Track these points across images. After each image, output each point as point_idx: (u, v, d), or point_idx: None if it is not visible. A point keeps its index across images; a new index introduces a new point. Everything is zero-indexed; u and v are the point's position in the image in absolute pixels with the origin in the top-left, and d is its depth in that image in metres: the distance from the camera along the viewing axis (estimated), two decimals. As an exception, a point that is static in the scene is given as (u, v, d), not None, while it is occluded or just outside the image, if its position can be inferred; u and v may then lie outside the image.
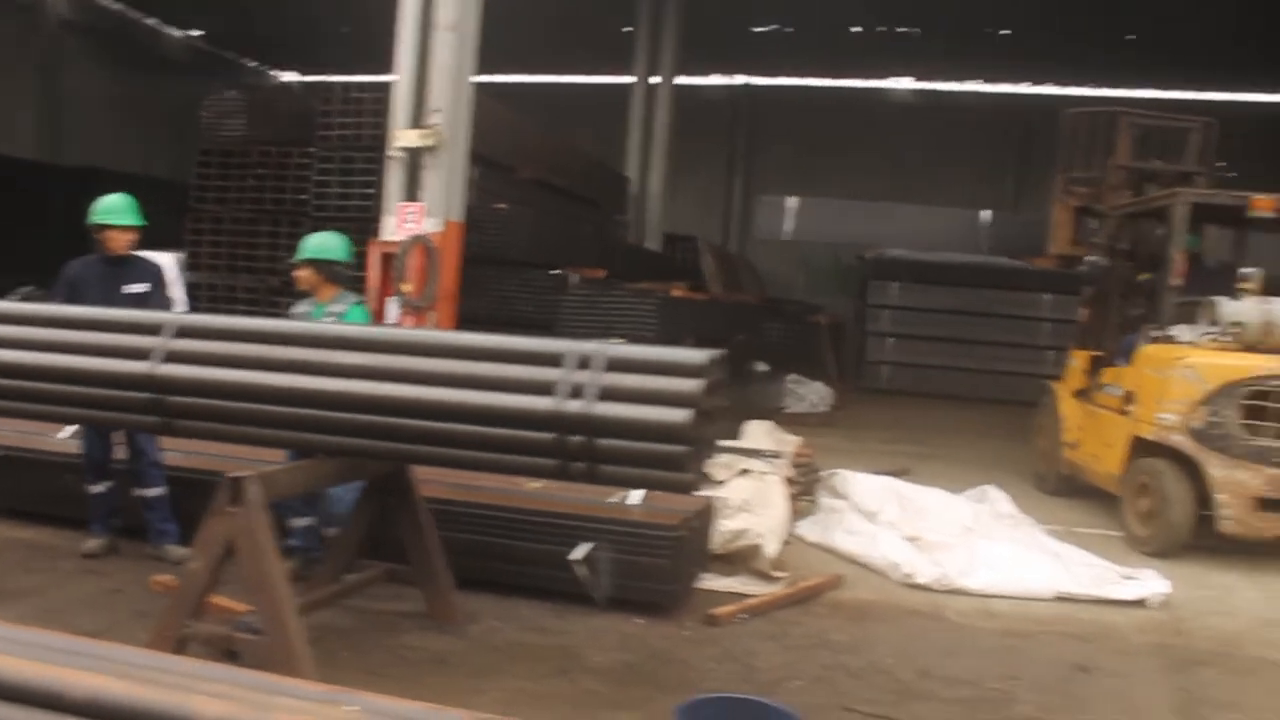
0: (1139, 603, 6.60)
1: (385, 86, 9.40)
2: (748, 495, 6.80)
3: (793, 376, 15.93)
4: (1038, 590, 6.59)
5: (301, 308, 6.30)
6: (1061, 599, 6.57)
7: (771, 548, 6.57)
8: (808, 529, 7.60)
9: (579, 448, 4.48)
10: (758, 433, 7.74)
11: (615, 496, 6.16)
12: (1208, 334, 8.08)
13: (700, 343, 11.40)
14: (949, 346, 18.85)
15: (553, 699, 4.59)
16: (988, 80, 22.68)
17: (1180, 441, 7.90)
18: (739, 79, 24.19)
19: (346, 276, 6.39)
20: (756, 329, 15.59)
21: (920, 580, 6.65)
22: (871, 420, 15.12)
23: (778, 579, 6.48)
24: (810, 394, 15.89)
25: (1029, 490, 10.08)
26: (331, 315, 6.07)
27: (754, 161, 23.53)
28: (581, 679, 4.86)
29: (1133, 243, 9.49)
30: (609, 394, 4.43)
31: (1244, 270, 8.57)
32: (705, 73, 23.43)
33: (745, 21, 21.41)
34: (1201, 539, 8.02)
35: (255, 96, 11.51)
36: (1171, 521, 7.89)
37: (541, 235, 10.72)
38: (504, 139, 11.15)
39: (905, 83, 23.47)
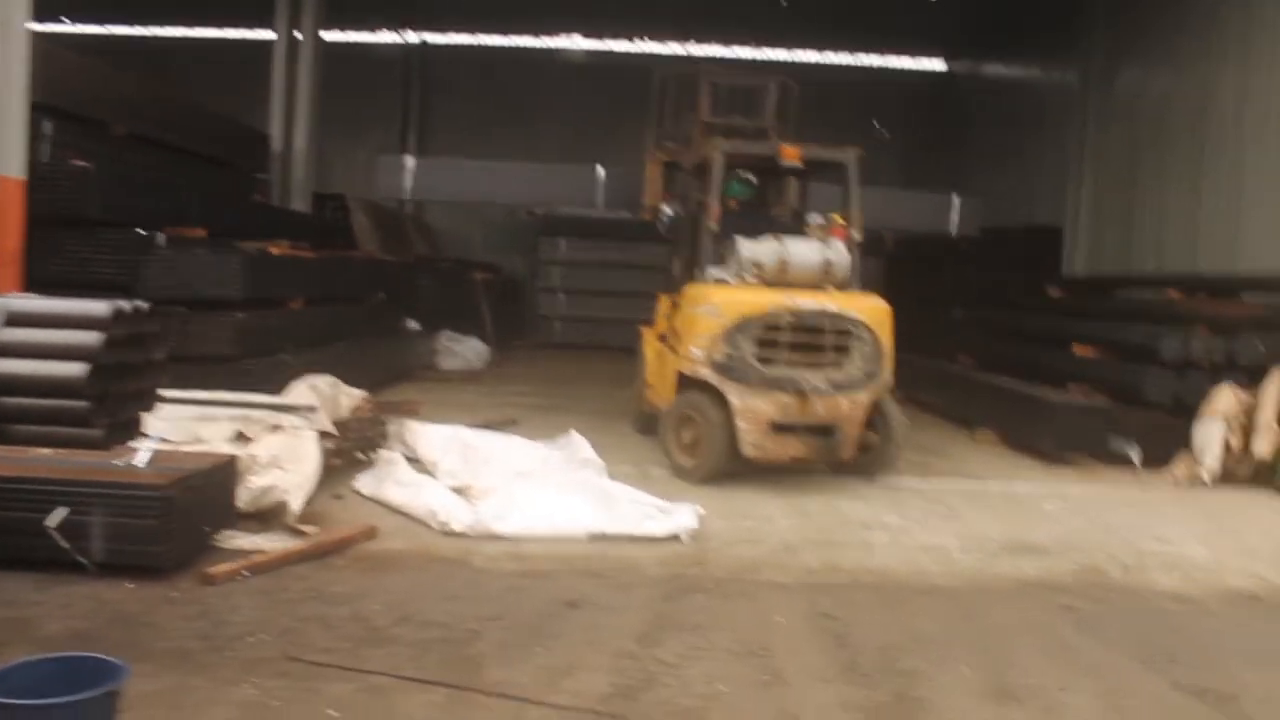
0: (676, 537, 6.86)
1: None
2: (278, 451, 6.68)
3: (448, 334, 15.89)
4: (571, 531, 6.74)
5: None
6: (596, 538, 6.74)
7: (297, 502, 6.48)
8: (365, 483, 7.54)
9: (-19, 407, 4.27)
10: (301, 389, 7.59)
11: (123, 458, 5.91)
12: (739, 273, 8.53)
13: (313, 301, 11.21)
14: (614, 300, 19.22)
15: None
16: (653, 39, 23.09)
17: (707, 374, 8.41)
18: (412, 36, 23.73)
19: None
20: (406, 287, 15.40)
21: (456, 528, 6.68)
22: (519, 375, 15.28)
23: (306, 534, 6.41)
24: (466, 351, 15.91)
25: (628, 432, 10.41)
26: None
27: (428, 120, 23.21)
28: (16, 650, 4.60)
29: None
30: (6, 350, 4.23)
31: (811, 215, 9.11)
32: (376, 28, 23.01)
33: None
34: (755, 469, 8.51)
35: None
36: (709, 450, 8.40)
37: (132, 194, 10.17)
38: (92, 92, 10.49)
39: (576, 41, 23.65)
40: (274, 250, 10.47)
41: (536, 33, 23.27)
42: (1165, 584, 6.50)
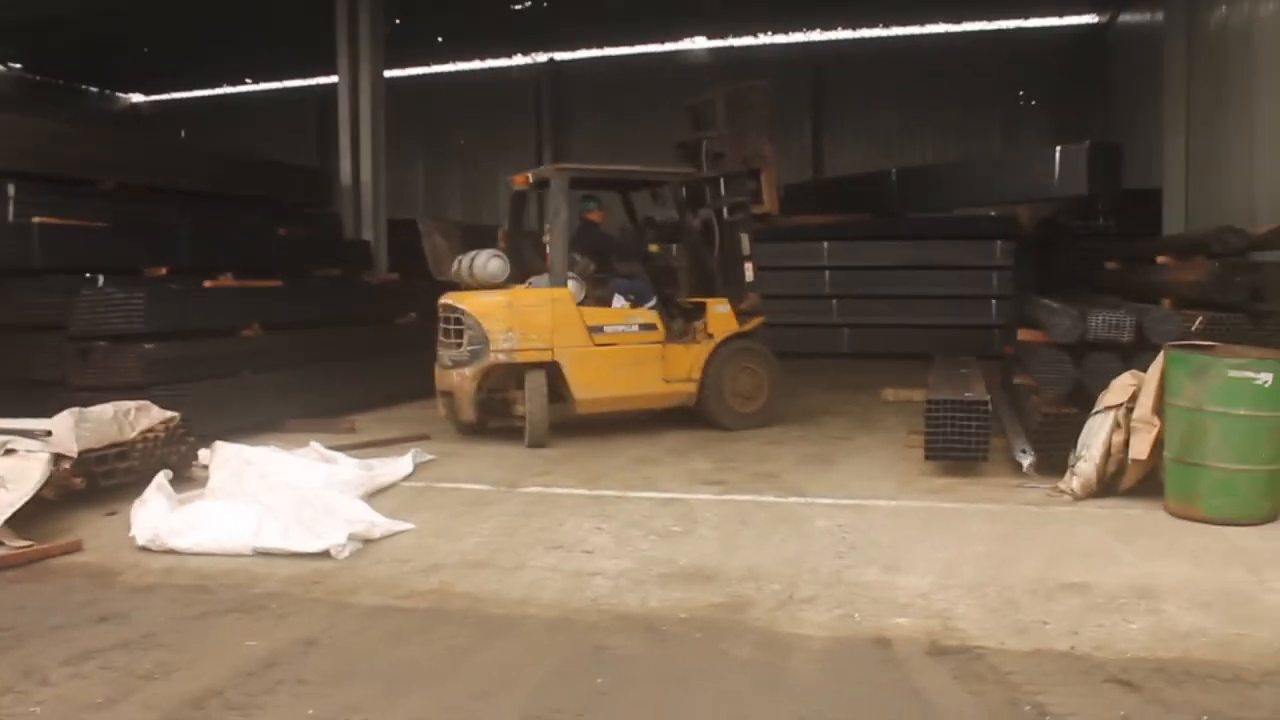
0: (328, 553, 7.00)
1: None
2: (4, 472, 7.52)
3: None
4: (236, 547, 7.12)
5: None
6: (261, 553, 7.05)
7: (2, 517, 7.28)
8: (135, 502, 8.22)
9: None
10: (63, 415, 8.33)
11: None
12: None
13: (284, 327, 12.17)
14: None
15: None
16: (777, 30, 22.66)
17: None
18: (541, 56, 24.65)
19: None
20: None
21: (140, 542, 7.27)
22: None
23: (14, 547, 7.19)
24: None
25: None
26: None
27: (562, 137, 23.95)
28: None
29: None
30: None
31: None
32: (509, 54, 24.03)
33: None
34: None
35: None
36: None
37: (109, 240, 11.56)
38: (71, 154, 12.00)
39: (699, 42, 23.63)
40: (208, 284, 11.50)
41: (661, 39, 23.46)
42: (802, 624, 5.64)
